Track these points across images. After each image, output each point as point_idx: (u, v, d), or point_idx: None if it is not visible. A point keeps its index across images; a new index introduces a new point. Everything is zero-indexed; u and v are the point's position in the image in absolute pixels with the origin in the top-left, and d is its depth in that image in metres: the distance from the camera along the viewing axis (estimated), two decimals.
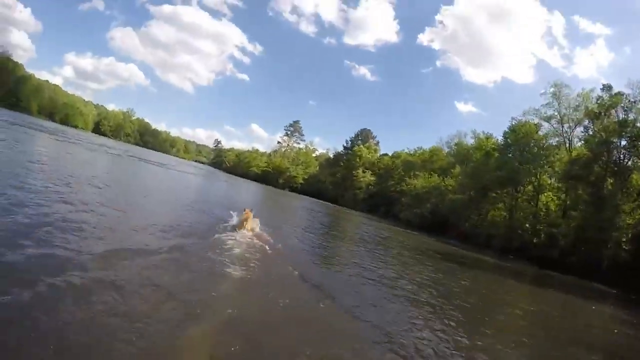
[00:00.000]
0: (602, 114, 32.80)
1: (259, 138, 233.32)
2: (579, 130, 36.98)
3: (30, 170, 11.63)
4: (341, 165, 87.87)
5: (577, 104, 36.39)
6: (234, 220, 11.85)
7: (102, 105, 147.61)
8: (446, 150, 64.45)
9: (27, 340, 3.14)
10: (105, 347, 3.43)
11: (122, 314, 4.01)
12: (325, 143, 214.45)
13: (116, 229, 7.76)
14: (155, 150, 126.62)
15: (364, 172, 78.55)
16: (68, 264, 4.91)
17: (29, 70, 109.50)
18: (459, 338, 6.21)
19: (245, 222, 10.80)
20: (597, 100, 34.08)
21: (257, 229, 11.30)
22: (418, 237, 32.15)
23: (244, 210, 11.71)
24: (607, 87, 33.44)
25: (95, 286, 4.50)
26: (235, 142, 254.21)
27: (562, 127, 37.77)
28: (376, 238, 22.81)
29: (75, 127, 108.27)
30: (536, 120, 39.83)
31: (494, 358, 5.74)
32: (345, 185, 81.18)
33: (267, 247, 9.66)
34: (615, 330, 10.76)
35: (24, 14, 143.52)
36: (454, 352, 5.48)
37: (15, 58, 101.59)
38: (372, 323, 5.82)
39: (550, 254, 31.93)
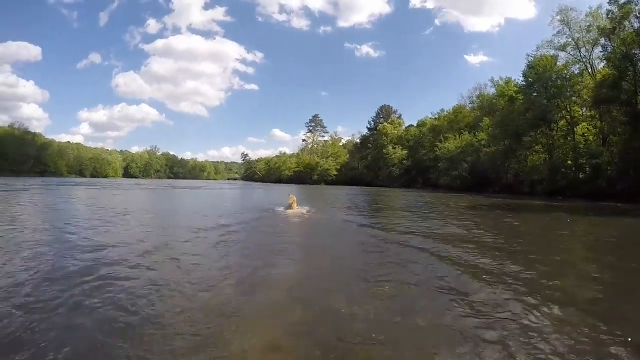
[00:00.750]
0: (617, 28, 31.62)
1: (284, 142, 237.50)
2: (597, 51, 35.59)
3: (95, 210, 15.75)
4: (370, 147, 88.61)
5: (589, 24, 35.04)
6: (283, 206, 16.36)
7: (126, 151, 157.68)
8: (469, 106, 63.69)
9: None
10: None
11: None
12: (349, 130, 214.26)
13: (190, 226, 11.03)
14: (187, 179, 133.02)
15: (394, 148, 78.68)
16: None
17: (49, 136, 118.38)
18: (530, 274, 5.97)
19: (292, 204, 15.39)
20: (608, 15, 32.79)
21: (304, 209, 15.83)
22: (460, 197, 33.06)
23: (289, 195, 16.55)
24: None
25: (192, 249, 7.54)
26: (261, 151, 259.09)
27: (580, 52, 36.57)
28: (418, 203, 24.38)
29: (106, 176, 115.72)
30: (552, 52, 38.74)
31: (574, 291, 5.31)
32: (378, 166, 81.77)
33: (315, 218, 14.20)
34: None
35: (28, 87, 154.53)
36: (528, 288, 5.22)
37: (32, 129, 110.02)
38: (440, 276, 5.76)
39: (599, 186, 31.43)
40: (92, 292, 4.55)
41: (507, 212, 19.29)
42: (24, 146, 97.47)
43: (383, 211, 20.26)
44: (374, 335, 3.57)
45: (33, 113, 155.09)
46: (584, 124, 37.64)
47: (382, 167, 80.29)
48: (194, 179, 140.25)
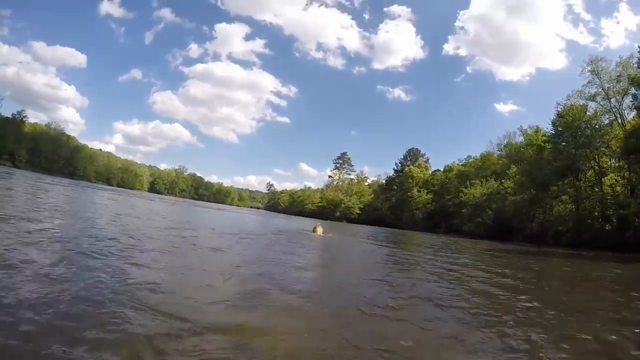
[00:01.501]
0: None
1: (309, 176, 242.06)
2: (627, 101, 36.27)
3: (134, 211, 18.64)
4: (395, 189, 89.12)
5: (619, 74, 35.91)
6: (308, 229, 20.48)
7: (154, 166, 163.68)
8: (497, 153, 64.44)
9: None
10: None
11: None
12: (375, 171, 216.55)
13: (228, 232, 14.64)
14: (210, 201, 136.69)
15: (418, 191, 79.15)
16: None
17: (82, 141, 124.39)
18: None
19: (316, 228, 18.99)
20: (638, 64, 33.73)
21: (326, 233, 19.21)
22: (480, 242, 33.36)
23: (315, 224, 21.00)
24: None
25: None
26: (287, 183, 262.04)
27: (610, 102, 37.18)
28: (435, 242, 26.15)
29: (132, 188, 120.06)
30: (582, 102, 39.38)
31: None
32: (402, 208, 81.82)
33: (337, 239, 18.47)
34: None
35: (69, 91, 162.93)
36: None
37: (67, 131, 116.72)
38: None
39: (625, 238, 31.09)
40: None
41: (522, 254, 20.11)
42: (57, 146, 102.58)
43: (399, 243, 22.62)
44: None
45: (70, 116, 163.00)
46: (612, 174, 37.68)
47: (405, 209, 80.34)
48: (218, 202, 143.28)
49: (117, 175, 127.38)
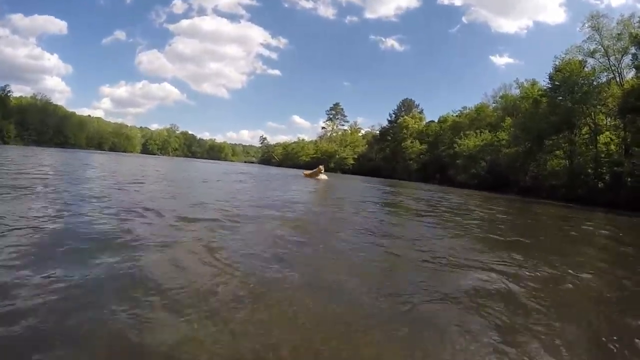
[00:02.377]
0: None
1: (303, 129, 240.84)
2: (627, 60, 35.55)
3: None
4: (389, 140, 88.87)
5: (619, 32, 34.99)
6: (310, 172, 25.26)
7: (145, 127, 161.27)
8: (492, 105, 63.76)
9: None
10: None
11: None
12: (368, 122, 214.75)
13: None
14: (204, 158, 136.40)
15: (412, 142, 79.07)
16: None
17: (70, 109, 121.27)
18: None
19: (319, 171, 23.32)
20: None
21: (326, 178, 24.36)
22: (476, 193, 33.96)
23: (318, 167, 25.19)
24: None
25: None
26: (280, 136, 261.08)
27: (609, 60, 36.46)
28: (425, 186, 28.58)
29: (125, 151, 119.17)
30: (580, 58, 38.45)
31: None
32: (396, 159, 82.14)
33: (335, 183, 22.52)
34: None
35: (52, 60, 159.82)
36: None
37: (54, 101, 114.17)
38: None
39: (617, 195, 31.64)
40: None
41: (526, 209, 20.54)
42: (45, 117, 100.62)
43: (392, 185, 27.57)
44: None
45: (56, 86, 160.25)
46: (607, 133, 37.64)
47: (399, 160, 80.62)
48: (211, 158, 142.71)
49: (108, 140, 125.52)
